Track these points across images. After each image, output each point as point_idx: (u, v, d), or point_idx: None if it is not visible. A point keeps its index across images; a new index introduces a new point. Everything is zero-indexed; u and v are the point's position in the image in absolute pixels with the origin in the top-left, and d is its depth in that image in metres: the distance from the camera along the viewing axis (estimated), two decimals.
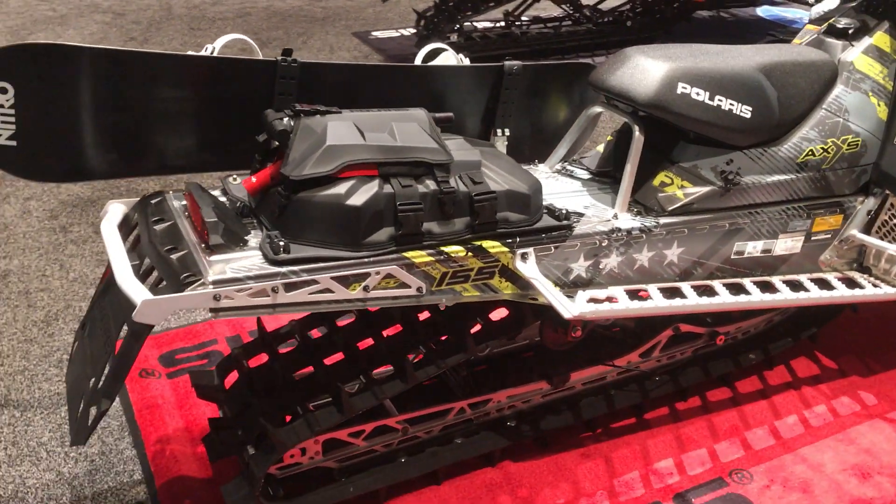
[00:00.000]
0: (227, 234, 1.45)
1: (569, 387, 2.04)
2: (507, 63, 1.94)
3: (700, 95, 1.77)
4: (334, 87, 1.77)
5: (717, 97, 1.79)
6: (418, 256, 1.54)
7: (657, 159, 1.88)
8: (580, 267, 1.75)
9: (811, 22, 2.27)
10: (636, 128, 1.78)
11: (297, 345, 1.91)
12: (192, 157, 1.72)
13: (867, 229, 2.12)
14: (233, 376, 1.87)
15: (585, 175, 2.00)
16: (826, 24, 2.11)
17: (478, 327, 1.83)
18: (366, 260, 1.49)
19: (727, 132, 1.83)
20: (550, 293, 1.64)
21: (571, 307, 1.64)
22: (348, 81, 1.79)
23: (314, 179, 1.47)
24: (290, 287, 1.44)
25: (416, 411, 1.85)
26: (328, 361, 1.85)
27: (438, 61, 2.01)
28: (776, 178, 1.93)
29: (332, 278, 1.47)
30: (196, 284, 1.38)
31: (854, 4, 2.14)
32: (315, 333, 1.95)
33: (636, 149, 1.78)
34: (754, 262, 1.99)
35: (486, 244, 1.60)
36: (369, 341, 1.87)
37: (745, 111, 1.82)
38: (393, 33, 5.61)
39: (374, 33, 5.59)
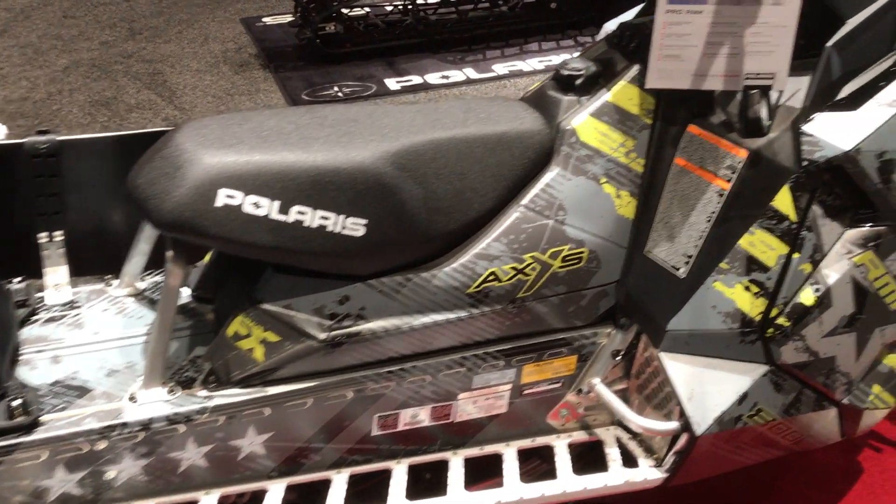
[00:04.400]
0: None
1: None
2: (28, 140, 1.29)
3: (262, 208, 1.09)
4: None
5: (296, 208, 1.11)
6: None
7: (239, 293, 1.22)
8: (67, 482, 1.11)
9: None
10: (170, 253, 1.12)
11: None
12: None
13: (626, 371, 1.43)
14: None
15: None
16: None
17: None
18: None
19: (323, 260, 1.15)
20: None
21: None
22: None
23: None
24: None
25: None
26: None
27: None
28: (432, 317, 1.25)
29: None
30: None
31: (608, 35, 1.42)
32: None
33: (170, 289, 1.12)
34: (426, 431, 1.33)
35: None
36: None
37: (354, 226, 1.14)
38: (288, 18, 4.90)
39: (264, 19, 4.91)
